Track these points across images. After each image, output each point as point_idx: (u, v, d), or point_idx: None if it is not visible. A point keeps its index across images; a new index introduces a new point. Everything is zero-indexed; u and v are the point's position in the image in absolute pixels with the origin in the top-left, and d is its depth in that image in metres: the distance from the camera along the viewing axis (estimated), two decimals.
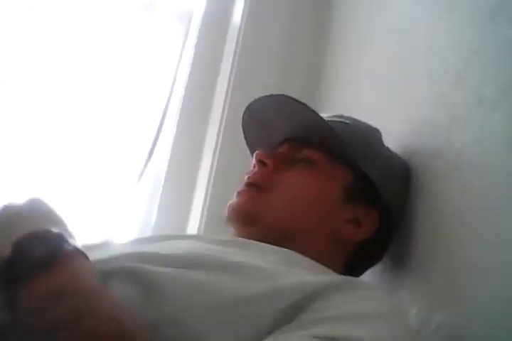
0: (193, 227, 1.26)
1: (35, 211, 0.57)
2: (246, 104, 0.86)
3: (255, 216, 0.76)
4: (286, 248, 0.71)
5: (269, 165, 0.79)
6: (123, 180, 1.29)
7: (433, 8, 0.91)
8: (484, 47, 0.73)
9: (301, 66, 1.41)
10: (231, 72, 1.38)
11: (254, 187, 0.78)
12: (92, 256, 0.55)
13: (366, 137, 0.83)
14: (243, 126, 0.89)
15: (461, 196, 0.72)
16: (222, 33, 1.49)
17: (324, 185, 0.79)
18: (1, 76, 1.26)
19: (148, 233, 1.29)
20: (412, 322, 0.72)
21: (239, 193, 0.79)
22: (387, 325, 0.56)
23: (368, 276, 0.85)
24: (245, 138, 0.91)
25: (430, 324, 0.70)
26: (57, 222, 0.57)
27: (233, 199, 0.79)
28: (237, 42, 1.41)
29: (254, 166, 0.81)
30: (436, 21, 0.89)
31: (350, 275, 0.79)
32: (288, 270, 0.61)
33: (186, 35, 1.48)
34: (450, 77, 0.79)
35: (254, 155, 0.81)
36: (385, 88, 1.02)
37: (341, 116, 0.85)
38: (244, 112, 0.86)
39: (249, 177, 0.80)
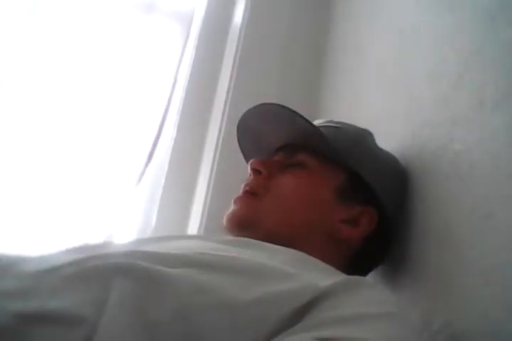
0: (193, 229, 1.26)
1: None
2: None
3: (251, 221, 0.78)
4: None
5: (263, 173, 0.82)
6: (123, 181, 1.29)
7: (433, 9, 0.91)
8: (485, 48, 0.73)
9: (302, 67, 1.41)
10: (231, 73, 1.38)
11: (250, 193, 0.81)
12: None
13: (356, 138, 0.85)
14: (238, 139, 0.92)
15: (462, 197, 0.72)
16: (223, 34, 1.49)
17: (316, 185, 0.81)
18: (1, 77, 1.26)
19: (148, 234, 1.29)
20: (414, 323, 0.72)
21: (235, 201, 0.82)
22: (392, 324, 0.56)
23: (368, 277, 0.85)
24: (241, 151, 0.94)
25: (432, 325, 0.70)
26: None
27: (230, 208, 0.81)
28: (237, 44, 1.41)
29: (250, 175, 0.84)
30: (437, 22, 0.89)
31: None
32: (296, 271, 0.61)
33: (187, 37, 1.48)
34: (450, 78, 0.80)
35: (249, 164, 0.84)
36: (386, 89, 1.02)
37: (332, 121, 0.87)
38: (237, 126, 0.90)
39: (245, 186, 0.83)
